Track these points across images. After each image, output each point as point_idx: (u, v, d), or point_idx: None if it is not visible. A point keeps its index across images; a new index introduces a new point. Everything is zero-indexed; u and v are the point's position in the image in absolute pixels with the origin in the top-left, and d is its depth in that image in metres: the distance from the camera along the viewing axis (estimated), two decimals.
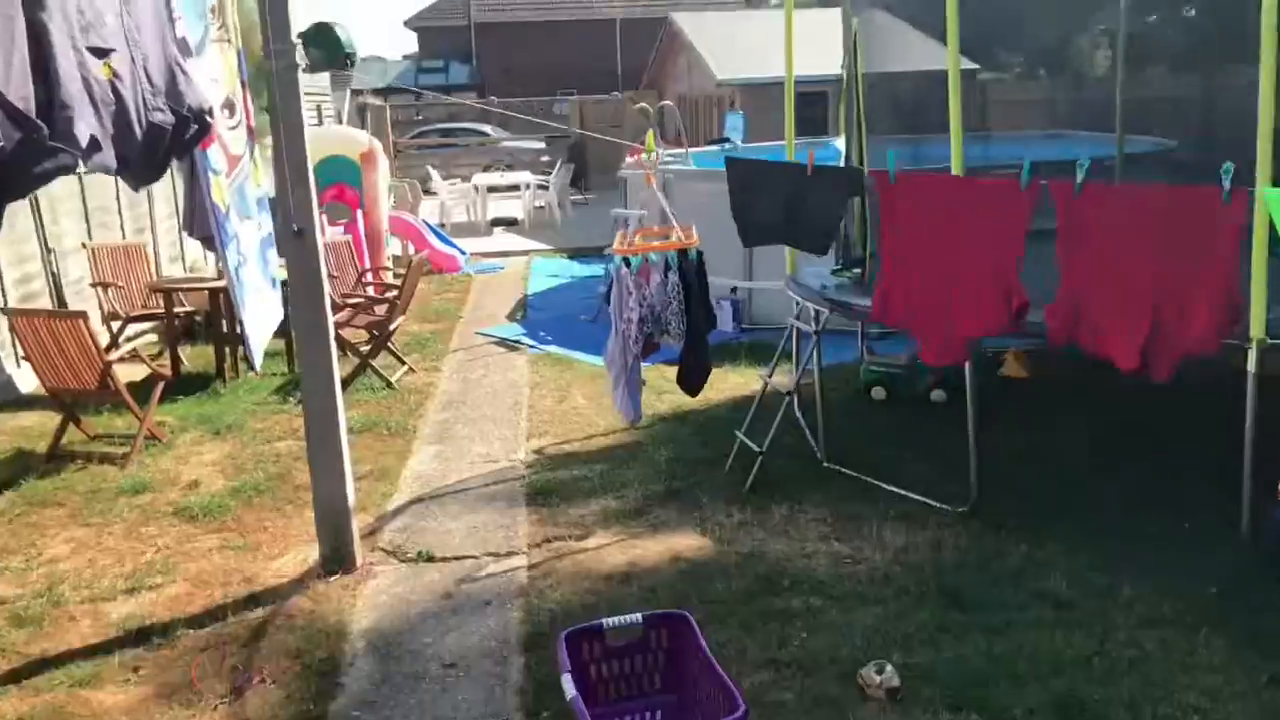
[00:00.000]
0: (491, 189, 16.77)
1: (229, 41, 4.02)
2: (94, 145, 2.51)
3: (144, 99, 2.90)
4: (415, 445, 6.11)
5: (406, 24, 38.96)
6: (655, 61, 22.36)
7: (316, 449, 4.34)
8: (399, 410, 6.76)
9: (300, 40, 3.94)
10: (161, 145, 3.05)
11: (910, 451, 5.45)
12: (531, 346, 8.45)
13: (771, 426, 5.17)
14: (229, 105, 3.97)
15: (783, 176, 5.38)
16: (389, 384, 7.25)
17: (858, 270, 5.87)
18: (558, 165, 17.03)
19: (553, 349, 8.30)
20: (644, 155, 7.51)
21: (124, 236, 9.11)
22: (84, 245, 8.16)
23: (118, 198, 9.15)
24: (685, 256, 4.34)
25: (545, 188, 16.56)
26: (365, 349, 7.39)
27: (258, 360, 4.38)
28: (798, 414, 5.66)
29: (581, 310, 9.68)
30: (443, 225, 14.69)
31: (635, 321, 4.31)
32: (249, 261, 4.19)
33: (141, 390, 6.16)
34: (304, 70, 3.94)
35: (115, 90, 2.70)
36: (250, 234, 4.23)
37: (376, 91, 24.90)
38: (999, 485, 4.81)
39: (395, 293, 7.62)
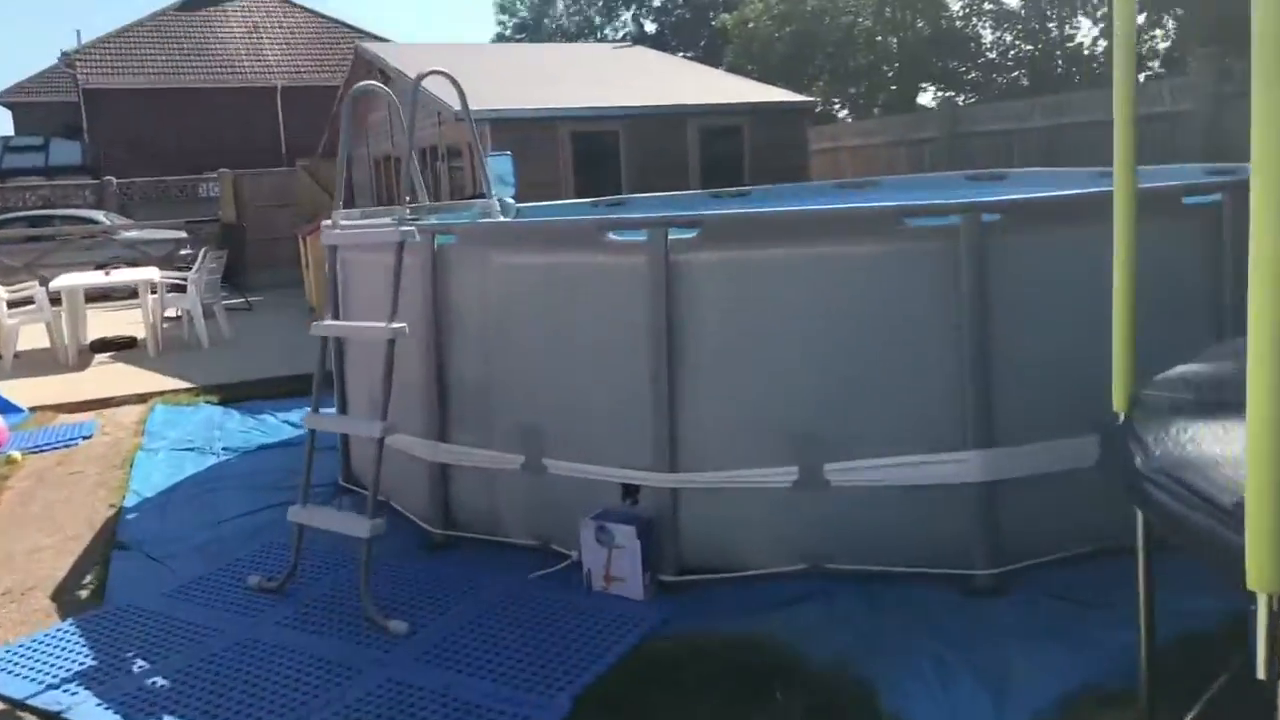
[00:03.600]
0: (90, 293, 10.56)
1: None
2: None
3: None
4: None
5: None
6: (338, 118, 17.05)
7: None
8: None
9: None
10: None
11: None
12: None
13: None
14: None
15: None
16: None
17: None
18: (201, 255, 11.14)
19: None
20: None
21: None
22: None
23: None
24: None
25: (182, 288, 10.63)
26: None
27: None
28: None
29: (252, 544, 4.21)
30: None
31: None
32: None
33: None
34: None
35: None
36: None
37: None
38: None
39: None
